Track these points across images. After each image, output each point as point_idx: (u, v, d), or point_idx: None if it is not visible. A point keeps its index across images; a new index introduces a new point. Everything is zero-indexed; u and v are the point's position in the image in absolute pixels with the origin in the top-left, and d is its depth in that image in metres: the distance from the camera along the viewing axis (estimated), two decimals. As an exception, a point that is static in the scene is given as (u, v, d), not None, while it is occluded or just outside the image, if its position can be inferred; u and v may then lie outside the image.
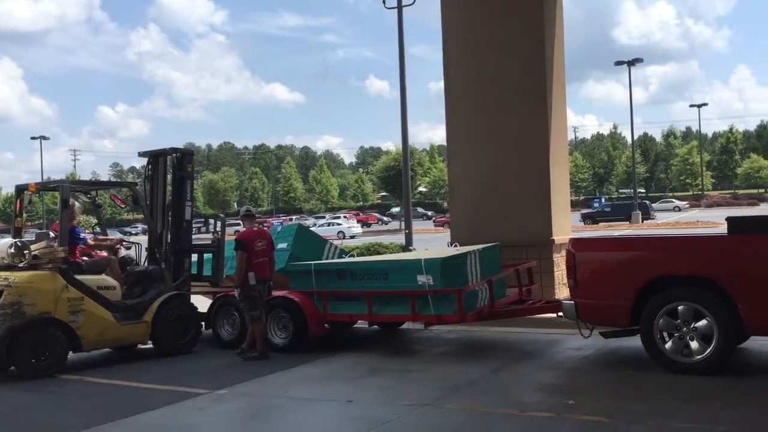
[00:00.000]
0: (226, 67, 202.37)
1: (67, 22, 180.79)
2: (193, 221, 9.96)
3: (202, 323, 9.84)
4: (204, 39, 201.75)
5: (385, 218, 77.01)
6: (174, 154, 9.90)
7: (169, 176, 9.94)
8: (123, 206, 11.71)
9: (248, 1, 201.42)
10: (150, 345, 9.34)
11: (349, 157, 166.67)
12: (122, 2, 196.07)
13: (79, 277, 8.67)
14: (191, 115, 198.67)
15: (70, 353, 8.55)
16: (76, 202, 9.93)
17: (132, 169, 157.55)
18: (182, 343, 9.33)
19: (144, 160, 10.13)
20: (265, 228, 10.64)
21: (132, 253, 10.43)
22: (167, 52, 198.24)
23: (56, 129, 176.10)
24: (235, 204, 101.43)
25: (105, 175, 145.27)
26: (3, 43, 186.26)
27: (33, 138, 69.64)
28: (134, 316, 9.01)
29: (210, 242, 10.28)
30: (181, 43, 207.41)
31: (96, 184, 11.81)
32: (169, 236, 9.76)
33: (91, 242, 9.91)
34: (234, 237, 9.41)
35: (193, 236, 10.11)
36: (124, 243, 10.45)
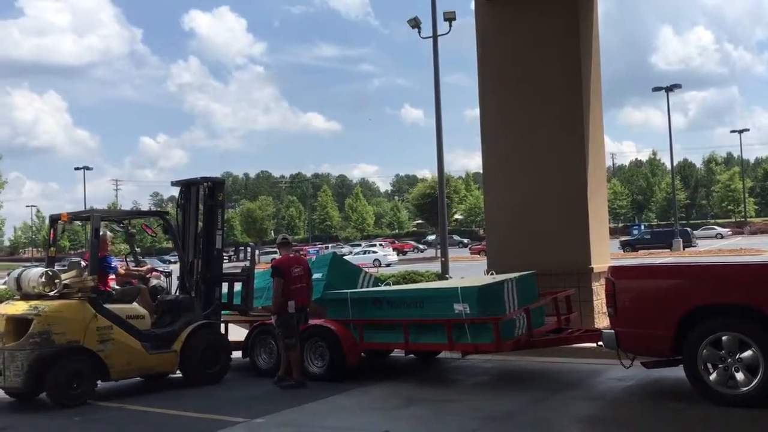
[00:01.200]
0: (264, 97, 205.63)
1: (110, 56, 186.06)
2: (224, 249, 9.99)
3: (235, 352, 9.87)
4: (243, 71, 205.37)
5: (421, 246, 76.84)
6: (205, 183, 9.97)
7: (201, 205, 10.02)
8: (154, 235, 11.86)
9: (286, 34, 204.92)
10: (179, 374, 9.37)
11: (384, 185, 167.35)
12: (163, 36, 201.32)
13: (108, 306, 8.75)
14: (230, 144, 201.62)
15: (101, 382, 8.59)
16: (108, 232, 10.05)
17: (171, 198, 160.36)
18: (211, 372, 9.31)
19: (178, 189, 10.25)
20: (301, 255, 10.64)
21: (163, 282, 10.51)
22: (207, 83, 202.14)
23: (99, 159, 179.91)
24: (272, 232, 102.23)
25: (145, 204, 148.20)
26: (49, 76, 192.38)
27: (77, 168, 71.52)
28: (163, 345, 9.03)
29: (240, 271, 10.32)
30: (221, 75, 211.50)
31: (127, 214, 11.89)
32: (200, 265, 9.81)
33: (121, 271, 10.01)
34: (270, 264, 9.46)
35: (226, 264, 10.18)
36: (156, 272, 10.52)
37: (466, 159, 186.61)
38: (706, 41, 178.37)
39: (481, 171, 12.16)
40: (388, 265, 47.99)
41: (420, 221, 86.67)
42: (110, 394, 8.73)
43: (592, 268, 10.53)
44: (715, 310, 6.86)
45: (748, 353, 6.58)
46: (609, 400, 7.55)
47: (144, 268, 10.40)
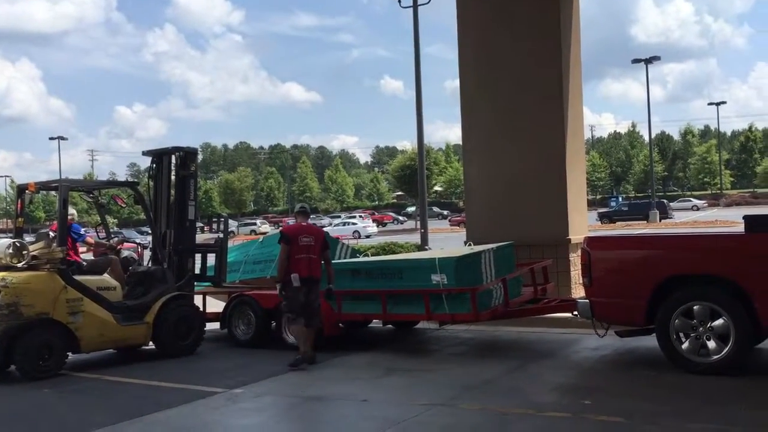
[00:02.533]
0: (242, 67, 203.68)
1: (85, 23, 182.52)
2: (197, 221, 9.88)
3: (213, 323, 9.84)
4: (221, 39, 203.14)
5: (401, 218, 76.98)
6: (177, 153, 9.80)
7: (173, 176, 9.87)
8: (124, 206, 11.65)
9: (264, 2, 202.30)
10: (152, 346, 9.30)
11: (364, 157, 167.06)
12: (139, 3, 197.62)
13: (78, 277, 8.63)
14: (208, 114, 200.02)
15: (73, 354, 8.52)
16: (72, 209, 9.74)
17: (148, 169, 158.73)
18: (184, 344, 9.24)
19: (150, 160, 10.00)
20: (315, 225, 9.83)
21: (134, 254, 10.36)
22: (184, 52, 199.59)
23: (74, 129, 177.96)
24: (251, 204, 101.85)
25: (122, 175, 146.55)
26: (22, 44, 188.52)
27: (51, 138, 70.20)
28: (135, 317, 8.95)
29: (213, 242, 10.21)
30: (198, 44, 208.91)
31: (97, 184, 11.48)
32: (172, 236, 9.68)
33: (90, 240, 9.82)
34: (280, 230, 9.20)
35: (201, 235, 10.08)
36: (131, 243, 10.37)
37: (446, 131, 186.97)
38: (686, 13, 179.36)
39: (461, 143, 12.16)
40: (367, 237, 48.09)
41: (400, 193, 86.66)
42: (90, 365, 8.70)
43: (570, 239, 10.63)
44: (687, 280, 6.97)
45: (719, 322, 6.72)
46: (584, 369, 7.68)
47: (113, 241, 10.18)
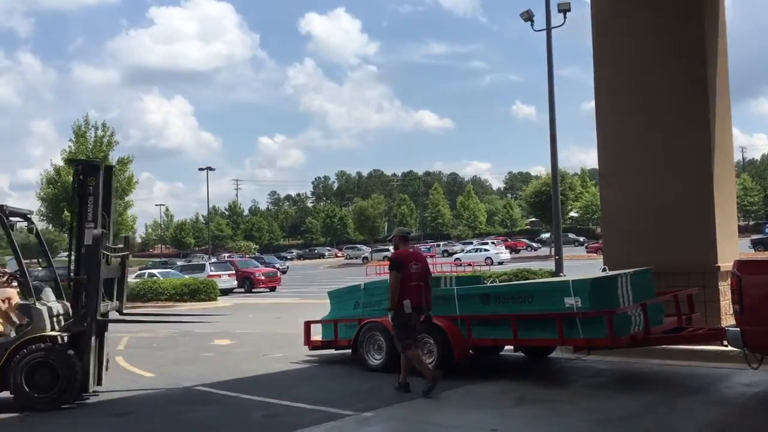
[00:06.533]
0: (376, 96, 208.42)
1: (233, 61, 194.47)
2: (103, 245, 8.31)
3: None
4: (356, 70, 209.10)
5: (535, 244, 75.33)
6: (79, 167, 8.70)
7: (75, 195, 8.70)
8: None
9: (398, 33, 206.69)
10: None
11: (497, 183, 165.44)
12: (281, 40, 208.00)
13: None
14: (344, 143, 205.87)
15: None
16: None
17: (287, 197, 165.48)
18: (41, 397, 7.82)
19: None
20: (420, 251, 9.87)
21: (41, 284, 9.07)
22: (322, 84, 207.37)
23: (221, 160, 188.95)
24: (385, 230, 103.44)
25: (264, 203, 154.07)
26: (177, 82, 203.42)
27: (201, 169, 75.01)
28: None
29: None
30: (335, 76, 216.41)
31: None
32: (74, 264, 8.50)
33: None
34: (390, 257, 9.01)
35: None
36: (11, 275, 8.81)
37: (582, 155, 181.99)
38: None
39: (597, 167, 11.72)
40: (500, 263, 47.38)
41: (534, 219, 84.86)
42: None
43: (719, 267, 9.90)
44: None
45: None
46: (736, 406, 7.07)
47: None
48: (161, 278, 29.90)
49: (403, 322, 8.17)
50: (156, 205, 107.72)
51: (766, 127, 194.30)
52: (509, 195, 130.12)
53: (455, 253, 61.43)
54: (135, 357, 12.26)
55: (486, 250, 56.48)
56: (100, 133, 31.63)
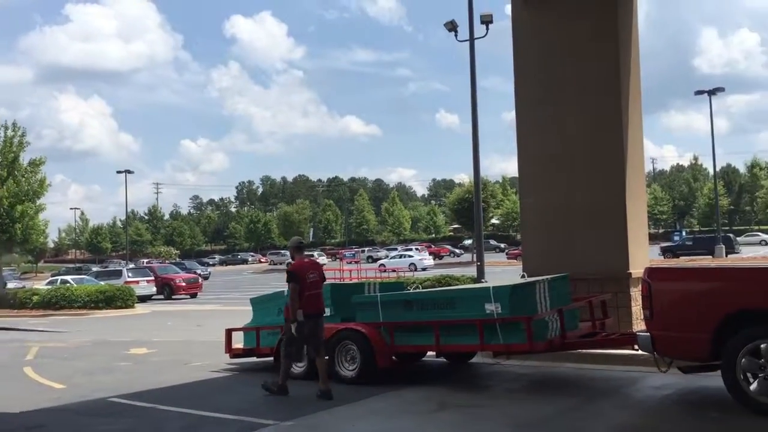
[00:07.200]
0: (302, 101, 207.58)
1: (154, 62, 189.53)
2: None
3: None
4: (282, 75, 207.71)
5: (457, 250, 76.47)
6: None
7: None
8: None
9: (324, 39, 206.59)
10: None
11: (421, 190, 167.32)
12: (205, 42, 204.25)
13: None
14: (269, 148, 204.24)
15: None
16: None
17: (210, 201, 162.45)
18: None
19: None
20: (316, 260, 10.06)
21: None
22: (247, 87, 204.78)
23: (141, 163, 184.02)
24: (310, 235, 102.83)
25: (186, 208, 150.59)
26: (94, 81, 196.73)
27: (119, 172, 72.78)
28: None
29: None
30: (261, 80, 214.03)
31: None
32: None
33: None
34: (287, 269, 8.92)
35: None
36: None
37: (504, 163, 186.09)
38: (752, 44, 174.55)
39: (517, 175, 12.01)
40: (424, 269, 47.86)
41: (457, 226, 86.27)
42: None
43: (630, 273, 10.29)
44: (754, 315, 6.62)
45: (792, 362, 6.34)
46: (647, 409, 7.36)
47: None
48: (74, 285, 28.75)
49: (299, 330, 8.42)
50: (71, 208, 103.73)
51: (675, 140, 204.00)
52: (433, 202, 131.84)
53: (380, 259, 61.68)
54: (45, 368, 11.75)
55: (410, 256, 56.99)
56: (10, 133, 30.37)
